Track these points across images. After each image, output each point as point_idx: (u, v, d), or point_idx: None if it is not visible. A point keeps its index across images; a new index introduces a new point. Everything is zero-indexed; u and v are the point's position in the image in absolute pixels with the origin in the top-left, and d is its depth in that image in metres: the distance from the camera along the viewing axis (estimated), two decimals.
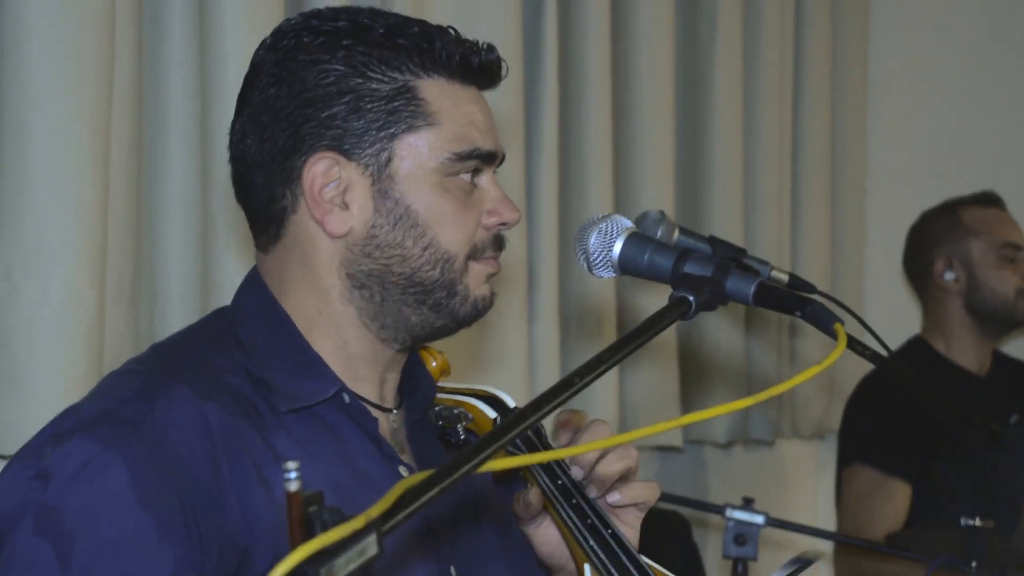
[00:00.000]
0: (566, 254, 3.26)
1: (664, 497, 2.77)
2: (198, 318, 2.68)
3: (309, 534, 1.10)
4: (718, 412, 1.38)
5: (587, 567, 1.74)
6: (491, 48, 1.73)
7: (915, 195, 3.94)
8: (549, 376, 3.15)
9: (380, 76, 1.66)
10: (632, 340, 1.43)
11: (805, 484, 4.17)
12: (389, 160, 1.66)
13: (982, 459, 3.54)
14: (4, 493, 1.57)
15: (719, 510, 2.85)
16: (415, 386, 1.80)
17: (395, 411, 1.77)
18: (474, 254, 1.70)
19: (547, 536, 1.80)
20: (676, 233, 2.12)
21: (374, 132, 1.66)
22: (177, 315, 2.68)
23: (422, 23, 1.70)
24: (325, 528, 1.10)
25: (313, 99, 1.66)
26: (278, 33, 1.71)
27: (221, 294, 2.63)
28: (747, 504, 2.86)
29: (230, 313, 1.75)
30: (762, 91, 3.78)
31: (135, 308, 2.64)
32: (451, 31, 1.71)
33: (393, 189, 1.67)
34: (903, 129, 4.37)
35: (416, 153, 1.67)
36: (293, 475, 1.11)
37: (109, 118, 2.51)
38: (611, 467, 1.77)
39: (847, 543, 3.63)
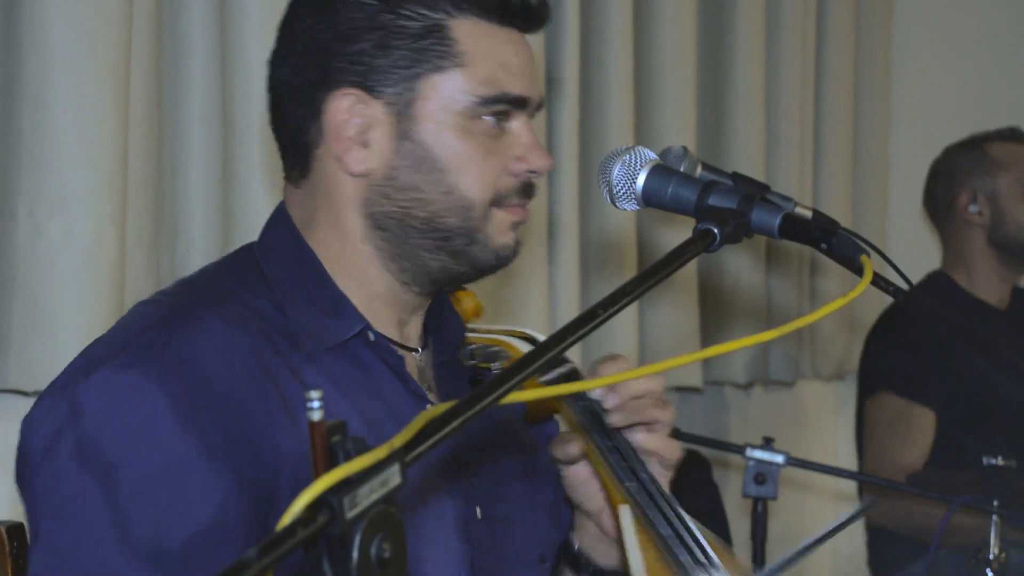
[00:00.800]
0: (586, 195, 3.24)
1: (684, 437, 2.77)
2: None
3: (332, 464, 1.09)
4: (742, 344, 1.37)
5: (624, 508, 1.71)
6: None
7: (938, 133, 3.92)
8: (569, 314, 3.14)
9: (412, 13, 1.63)
10: (656, 272, 1.41)
11: (824, 425, 4.18)
12: (413, 100, 1.63)
13: (1004, 394, 3.53)
14: (38, 426, 1.56)
15: (739, 450, 2.85)
16: (441, 326, 1.78)
17: (420, 351, 1.76)
18: (497, 201, 1.67)
19: (574, 471, 1.78)
20: (699, 169, 2.10)
21: (400, 70, 1.63)
22: (198, 256, 2.69)
23: None
24: (348, 458, 1.09)
25: (344, 32, 1.63)
26: None
27: (242, 236, 2.62)
28: (767, 444, 2.86)
29: (256, 249, 1.73)
30: (784, 25, 3.75)
31: (156, 249, 2.64)
32: None
33: (415, 130, 1.63)
34: (927, 64, 4.35)
35: (441, 94, 1.63)
36: (316, 404, 1.10)
37: (129, 57, 2.50)
38: (647, 411, 1.73)
39: (866, 481, 3.63)
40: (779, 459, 2.83)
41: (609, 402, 1.72)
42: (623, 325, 3.28)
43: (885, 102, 4.17)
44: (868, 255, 1.46)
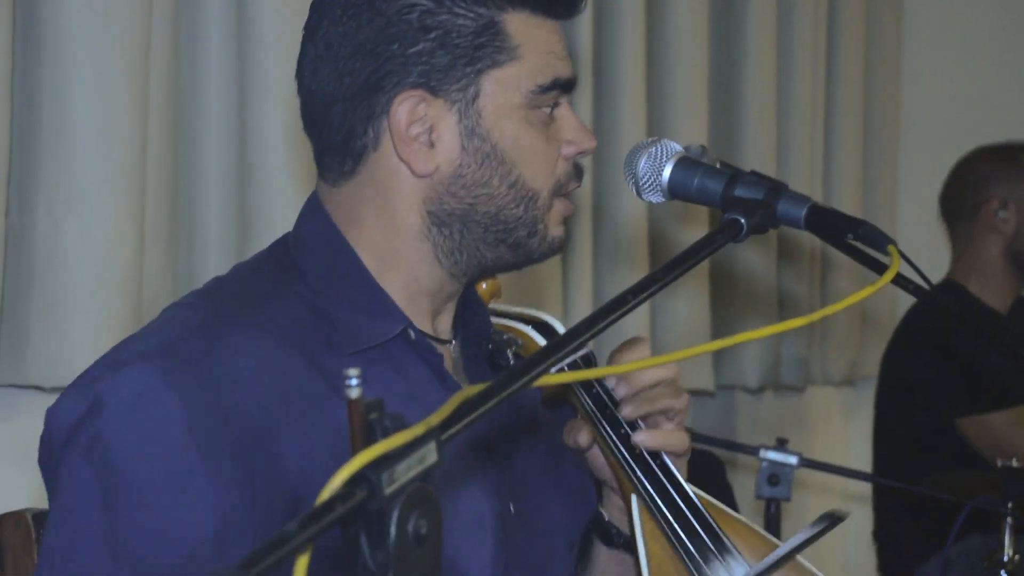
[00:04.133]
0: (599, 187, 3.27)
1: (698, 438, 2.77)
2: (236, 259, 2.73)
3: (370, 441, 1.10)
4: (762, 334, 1.38)
5: (634, 498, 1.73)
6: None
7: (948, 135, 3.96)
8: (583, 306, 3.17)
9: (464, 11, 1.63)
10: (684, 260, 1.42)
11: (835, 429, 4.19)
12: (476, 97, 1.64)
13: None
14: (60, 419, 1.56)
15: (753, 451, 2.86)
16: (470, 317, 1.78)
17: (452, 343, 1.76)
18: (558, 189, 1.69)
19: (595, 457, 1.78)
20: (718, 166, 2.11)
21: (460, 68, 1.63)
22: (214, 256, 2.70)
23: None
24: (386, 435, 1.10)
25: (397, 34, 1.62)
26: None
27: (259, 234, 2.64)
28: (781, 445, 2.87)
29: (291, 243, 1.71)
30: (796, 25, 3.77)
31: (173, 248, 2.66)
32: None
33: (480, 126, 1.64)
34: (937, 65, 4.37)
35: (502, 88, 1.64)
36: (354, 382, 1.10)
37: (147, 58, 2.53)
38: (659, 402, 1.72)
39: (879, 483, 3.64)
40: (793, 460, 2.84)
41: (620, 391, 1.72)
42: (635, 319, 3.30)
43: (895, 104, 4.19)
44: (895, 243, 1.47)
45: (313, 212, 1.71)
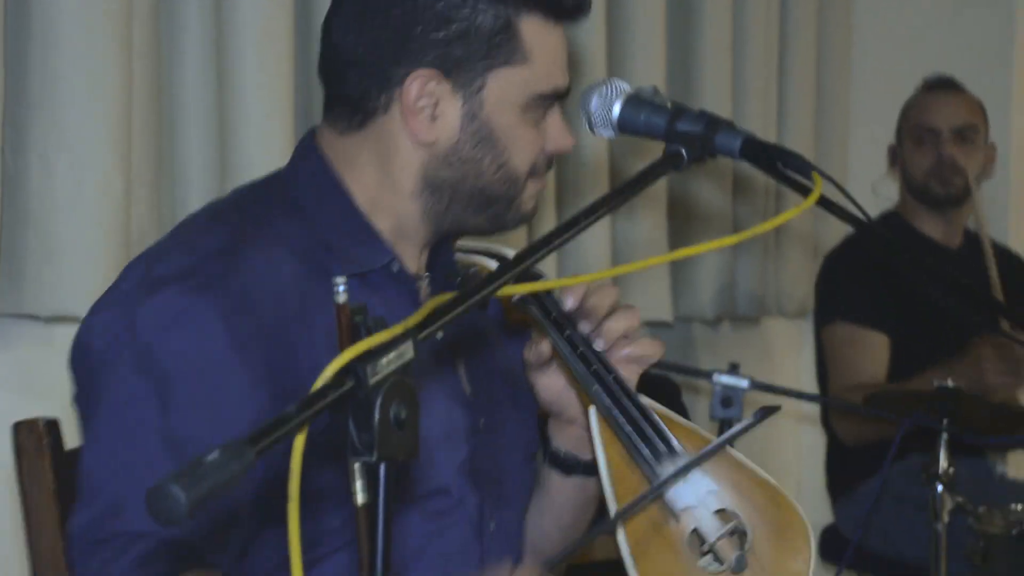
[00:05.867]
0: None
1: (656, 364, 2.94)
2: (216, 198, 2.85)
3: (356, 339, 1.27)
4: (708, 248, 1.55)
5: (591, 410, 1.89)
6: None
7: (899, 79, 4.08)
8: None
9: (486, 8, 1.79)
10: (631, 187, 1.59)
11: (788, 360, 4.32)
12: (482, 87, 1.80)
13: (952, 316, 3.75)
14: (99, 333, 1.71)
15: (707, 375, 3.02)
16: (439, 254, 1.94)
17: (424, 279, 1.91)
18: (532, 172, 1.85)
19: (550, 383, 1.95)
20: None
21: (473, 62, 1.79)
22: (195, 198, 2.82)
23: None
24: (370, 333, 1.27)
25: (424, 18, 1.78)
26: None
27: (238, 179, 2.77)
28: (733, 369, 3.03)
29: (286, 179, 1.87)
30: None
31: (157, 190, 2.79)
32: None
33: (481, 112, 1.80)
34: (888, 9, 4.48)
35: (507, 85, 1.80)
36: (342, 288, 1.28)
37: (130, 19, 2.65)
38: (618, 323, 1.92)
39: (825, 404, 3.82)
40: (744, 383, 2.99)
41: (569, 303, 1.90)
42: (598, 239, 3.45)
43: (846, 48, 4.30)
44: (820, 173, 1.63)
45: (309, 153, 1.87)
